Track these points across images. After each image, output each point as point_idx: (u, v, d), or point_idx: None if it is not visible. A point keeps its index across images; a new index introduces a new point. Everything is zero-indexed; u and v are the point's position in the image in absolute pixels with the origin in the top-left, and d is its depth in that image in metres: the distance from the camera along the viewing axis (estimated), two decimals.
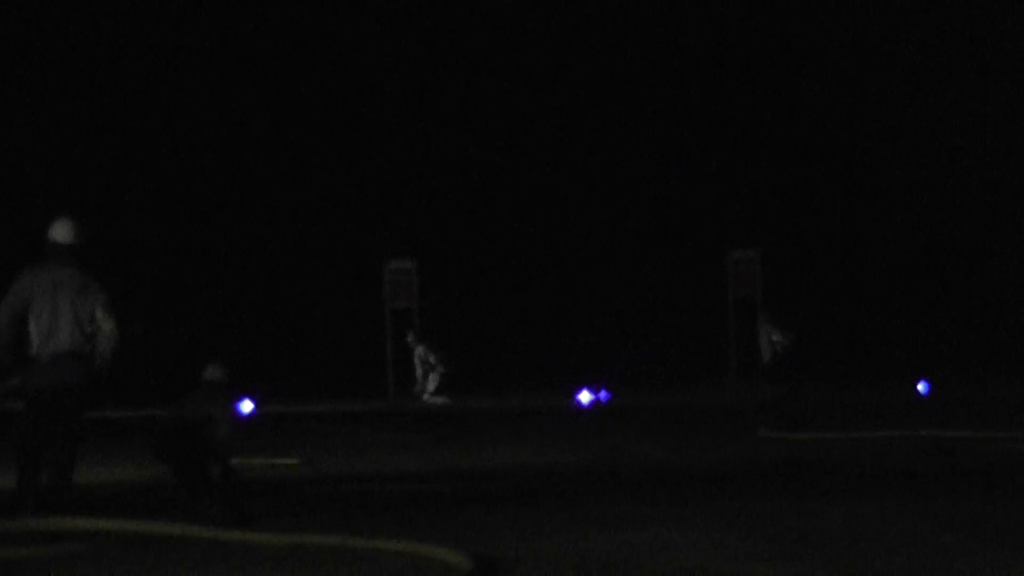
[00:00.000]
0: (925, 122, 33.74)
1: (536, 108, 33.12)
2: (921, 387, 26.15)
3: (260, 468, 14.91)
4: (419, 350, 27.95)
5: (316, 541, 9.82)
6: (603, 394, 26.07)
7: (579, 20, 33.46)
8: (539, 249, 33.01)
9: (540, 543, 9.71)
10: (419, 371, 27.98)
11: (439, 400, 27.20)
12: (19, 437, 11.16)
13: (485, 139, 33.02)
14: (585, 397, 25.40)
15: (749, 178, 33.62)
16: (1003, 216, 33.71)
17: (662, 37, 33.60)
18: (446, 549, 9.15)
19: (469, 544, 9.43)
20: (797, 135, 34.05)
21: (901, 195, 34.29)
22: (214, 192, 31.54)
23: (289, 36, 32.30)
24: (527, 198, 32.97)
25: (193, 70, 31.58)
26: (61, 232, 11.33)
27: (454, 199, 32.70)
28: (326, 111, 32.53)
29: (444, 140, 32.97)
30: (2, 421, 12.38)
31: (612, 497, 12.06)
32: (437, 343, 28.30)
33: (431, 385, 27.63)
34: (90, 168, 30.40)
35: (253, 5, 31.91)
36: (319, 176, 32.21)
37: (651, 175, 33.58)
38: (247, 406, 24.26)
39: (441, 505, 11.90)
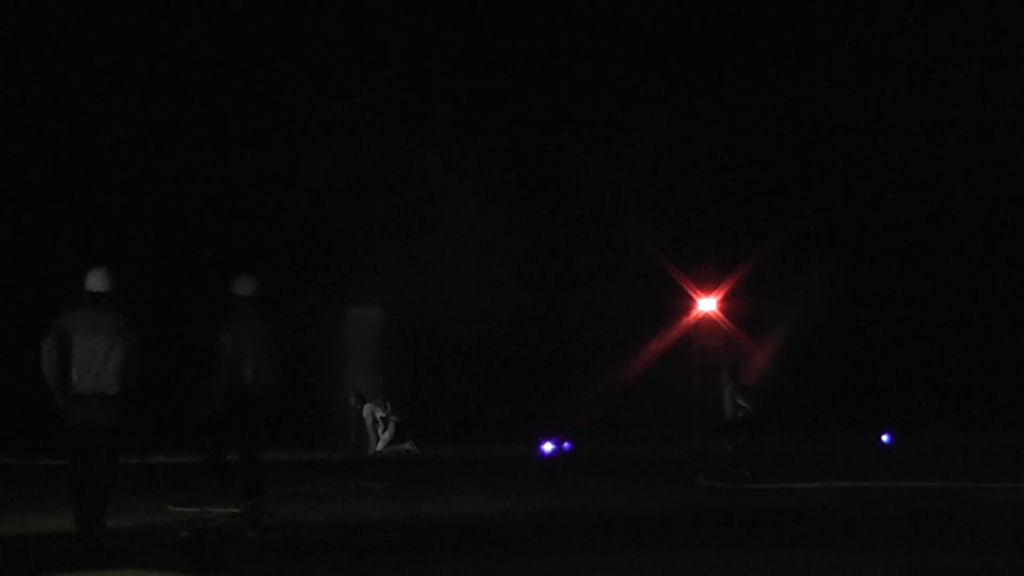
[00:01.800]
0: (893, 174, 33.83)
1: (504, 152, 33.15)
2: (885, 438, 26.19)
3: (218, 516, 14.78)
4: (366, 410, 27.73)
5: None
6: (566, 444, 26.01)
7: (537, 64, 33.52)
8: (505, 299, 32.99)
9: None
10: (370, 430, 27.75)
11: (403, 447, 27.07)
12: (70, 478, 11.71)
13: (451, 181, 33.02)
14: (548, 447, 25.33)
15: (711, 232, 33.66)
16: (973, 269, 33.82)
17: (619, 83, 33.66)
18: None
19: None
20: (760, 195, 34.10)
21: (866, 239, 34.31)
22: (178, 239, 31.46)
23: (256, 85, 32.32)
24: (491, 245, 32.95)
25: (165, 105, 31.61)
26: (96, 281, 11.93)
27: (419, 246, 32.68)
28: (299, 149, 32.50)
29: (411, 186, 32.97)
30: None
31: (574, 547, 11.99)
32: (383, 395, 28.16)
33: (387, 436, 27.48)
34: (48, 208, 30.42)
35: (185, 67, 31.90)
36: (282, 222, 32.14)
37: (613, 226, 33.63)
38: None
39: (401, 554, 11.80)
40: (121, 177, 31.49)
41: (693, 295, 31.77)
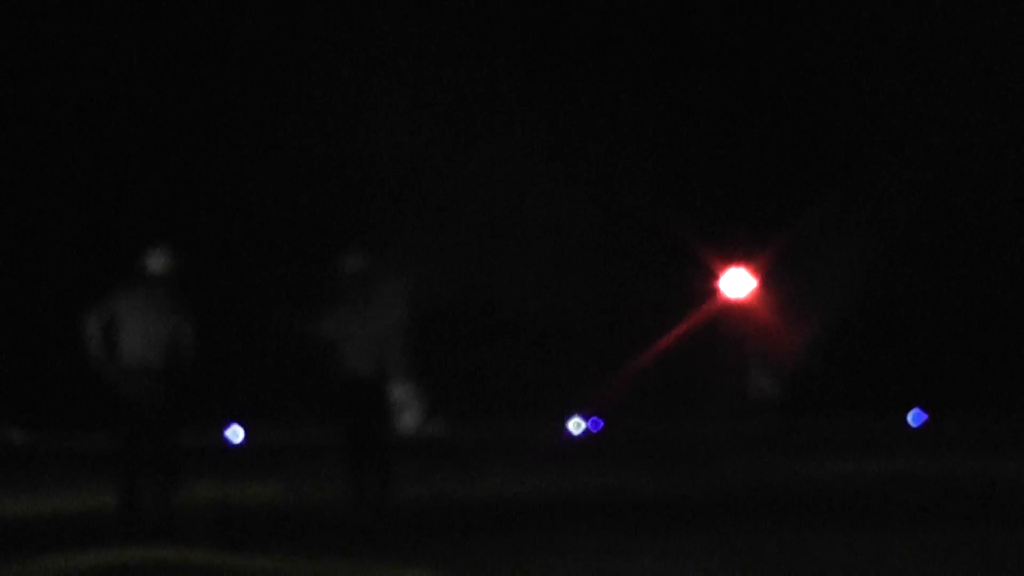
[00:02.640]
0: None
1: (523, 127, 32.97)
2: (913, 417, 26.02)
3: (247, 494, 14.82)
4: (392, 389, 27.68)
5: (305, 565, 9.72)
6: (594, 420, 25.97)
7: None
8: (531, 273, 32.84)
9: (530, 571, 9.60)
10: (395, 409, 27.71)
11: (434, 428, 27.10)
12: (118, 453, 11.72)
13: (473, 156, 32.90)
14: (576, 426, 25.30)
15: (737, 203, 33.38)
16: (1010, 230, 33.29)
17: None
18: (434, 573, 9.04)
19: (456, 571, 9.33)
20: (785, 160, 33.79)
21: (904, 213, 33.89)
22: (212, 210, 31.46)
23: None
24: (512, 218, 32.79)
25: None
26: (156, 263, 11.90)
27: (444, 221, 32.55)
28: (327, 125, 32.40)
29: (432, 156, 32.86)
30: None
31: (603, 527, 11.96)
32: (404, 375, 28.08)
33: (414, 419, 27.47)
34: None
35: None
36: (307, 194, 32.08)
37: (641, 204, 33.46)
38: (238, 434, 24.11)
39: (428, 532, 11.79)
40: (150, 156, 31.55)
41: (723, 274, 31.58)
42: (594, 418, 26.14)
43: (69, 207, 30.95)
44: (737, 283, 31.12)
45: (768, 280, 31.30)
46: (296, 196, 31.90)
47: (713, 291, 31.99)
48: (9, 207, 30.38)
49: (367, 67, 31.94)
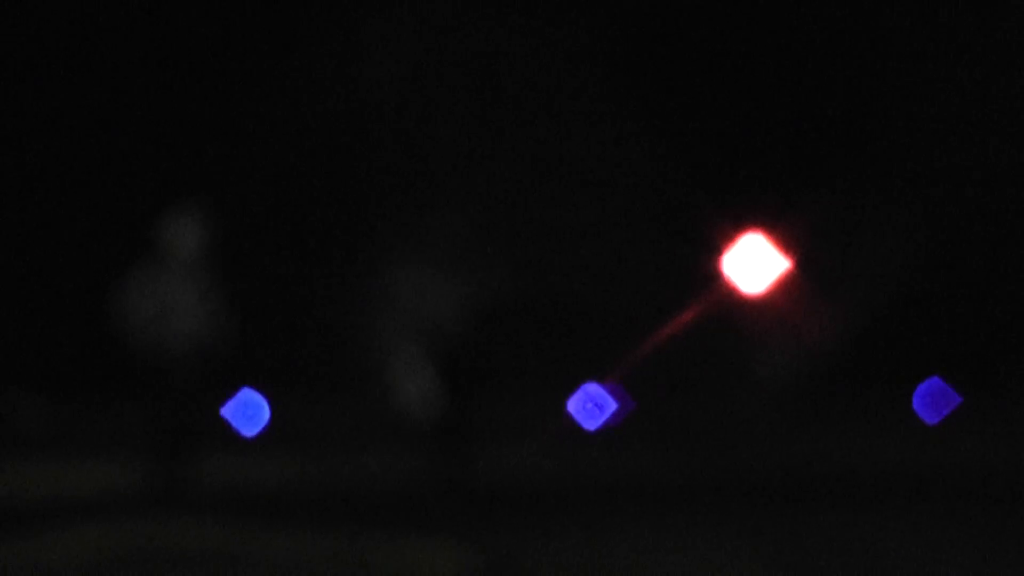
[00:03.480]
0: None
1: (543, 90, 32.89)
2: (935, 403, 25.86)
3: (269, 470, 14.86)
4: None
5: (319, 539, 9.72)
6: (614, 402, 25.91)
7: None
8: (552, 242, 32.75)
9: (549, 547, 9.56)
10: None
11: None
12: (145, 432, 11.81)
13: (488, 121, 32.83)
14: (591, 409, 25.23)
15: (748, 170, 33.22)
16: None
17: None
18: (453, 545, 9.02)
19: (470, 553, 9.30)
20: (790, 128, 33.58)
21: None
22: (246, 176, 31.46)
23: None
24: (528, 171, 32.65)
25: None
26: (186, 239, 11.68)
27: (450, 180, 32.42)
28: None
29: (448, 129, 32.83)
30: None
31: (625, 508, 11.94)
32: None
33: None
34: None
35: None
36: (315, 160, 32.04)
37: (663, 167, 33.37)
38: (262, 410, 23.83)
39: (451, 514, 11.76)
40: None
41: (733, 249, 31.23)
42: (613, 395, 26.06)
43: (93, 161, 30.91)
44: (753, 266, 30.51)
45: (799, 260, 30.88)
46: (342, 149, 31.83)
47: (717, 276, 31.47)
48: (32, 165, 30.41)
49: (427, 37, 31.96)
